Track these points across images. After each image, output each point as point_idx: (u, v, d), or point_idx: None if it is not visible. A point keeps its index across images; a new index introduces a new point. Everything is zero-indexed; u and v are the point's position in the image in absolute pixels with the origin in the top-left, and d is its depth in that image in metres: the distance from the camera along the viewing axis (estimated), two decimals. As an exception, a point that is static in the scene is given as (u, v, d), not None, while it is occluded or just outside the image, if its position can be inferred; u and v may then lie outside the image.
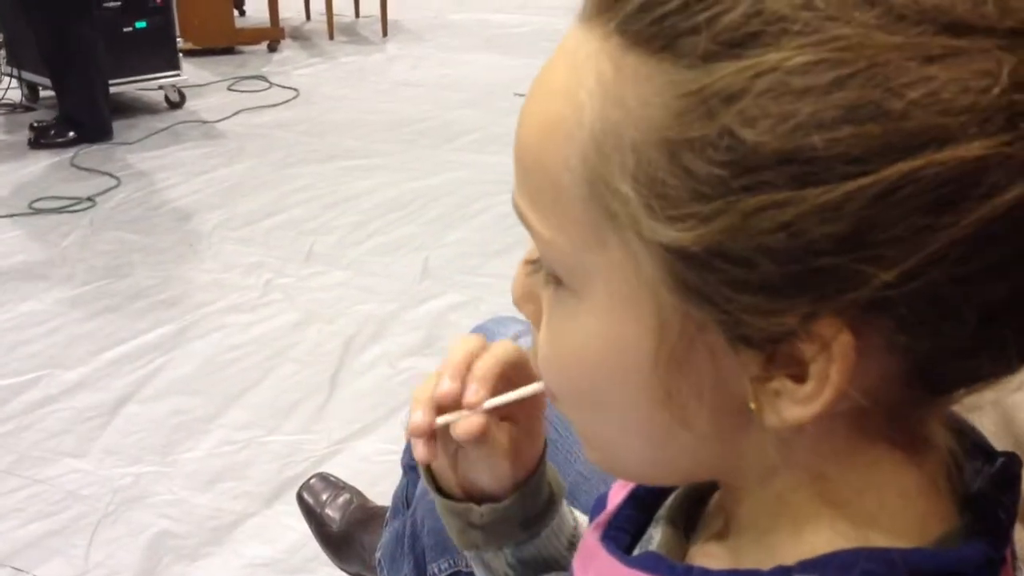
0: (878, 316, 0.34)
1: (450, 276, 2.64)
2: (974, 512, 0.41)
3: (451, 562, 1.02)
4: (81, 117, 3.68)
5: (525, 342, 1.04)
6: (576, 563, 0.52)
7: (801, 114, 0.32)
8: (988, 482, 0.42)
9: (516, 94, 4.45)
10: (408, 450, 1.22)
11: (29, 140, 3.66)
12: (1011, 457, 0.43)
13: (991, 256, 0.33)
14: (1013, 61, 0.32)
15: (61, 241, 2.87)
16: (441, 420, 0.59)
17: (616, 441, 0.45)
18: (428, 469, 0.67)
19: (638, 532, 0.51)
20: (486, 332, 1.09)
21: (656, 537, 0.50)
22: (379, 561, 1.14)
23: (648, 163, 0.35)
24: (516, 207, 0.42)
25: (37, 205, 3.12)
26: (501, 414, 0.62)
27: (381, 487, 1.65)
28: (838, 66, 0.32)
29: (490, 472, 0.64)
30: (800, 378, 0.36)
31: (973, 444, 0.44)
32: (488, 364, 0.59)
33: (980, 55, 0.32)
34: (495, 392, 0.58)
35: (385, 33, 5.81)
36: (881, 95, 0.32)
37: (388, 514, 1.26)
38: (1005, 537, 0.41)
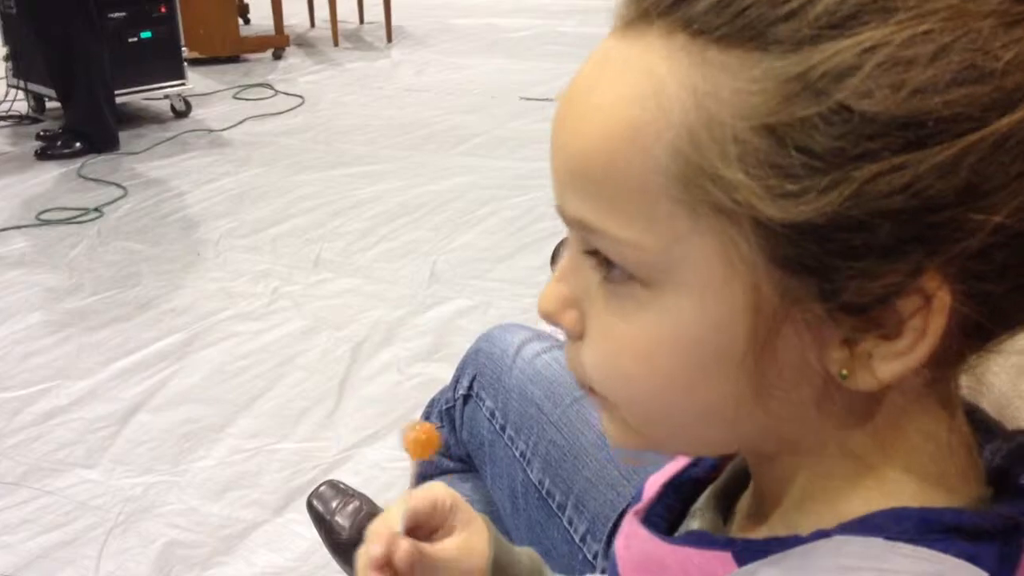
0: (977, 263, 0.37)
1: (458, 281, 2.64)
2: (996, 484, 0.44)
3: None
4: (87, 128, 3.69)
5: (532, 349, 1.04)
6: (619, 543, 0.54)
7: (915, 81, 0.35)
8: (1007, 457, 0.45)
9: (522, 98, 4.45)
10: (417, 457, 1.22)
11: (36, 152, 3.67)
12: None
13: None
14: None
15: (69, 252, 2.88)
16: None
17: (685, 424, 0.45)
18: None
19: (675, 521, 0.53)
20: (492, 339, 1.09)
21: (695, 524, 0.52)
22: (389, 569, 1.13)
23: (756, 148, 0.37)
24: (570, 217, 0.43)
25: (45, 216, 3.13)
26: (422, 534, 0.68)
27: (391, 493, 1.65)
28: (940, 35, 0.35)
29: None
30: (892, 336, 0.39)
31: (987, 428, 0.47)
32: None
33: None
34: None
35: (390, 39, 5.81)
36: (982, 58, 0.35)
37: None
38: None
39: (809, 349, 0.41)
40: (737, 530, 0.51)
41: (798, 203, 0.37)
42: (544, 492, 0.93)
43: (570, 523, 0.90)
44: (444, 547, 0.67)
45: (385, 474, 1.83)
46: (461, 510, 0.69)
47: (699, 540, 0.47)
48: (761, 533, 0.47)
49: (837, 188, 0.36)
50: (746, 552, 0.44)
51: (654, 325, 0.42)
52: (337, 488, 1.60)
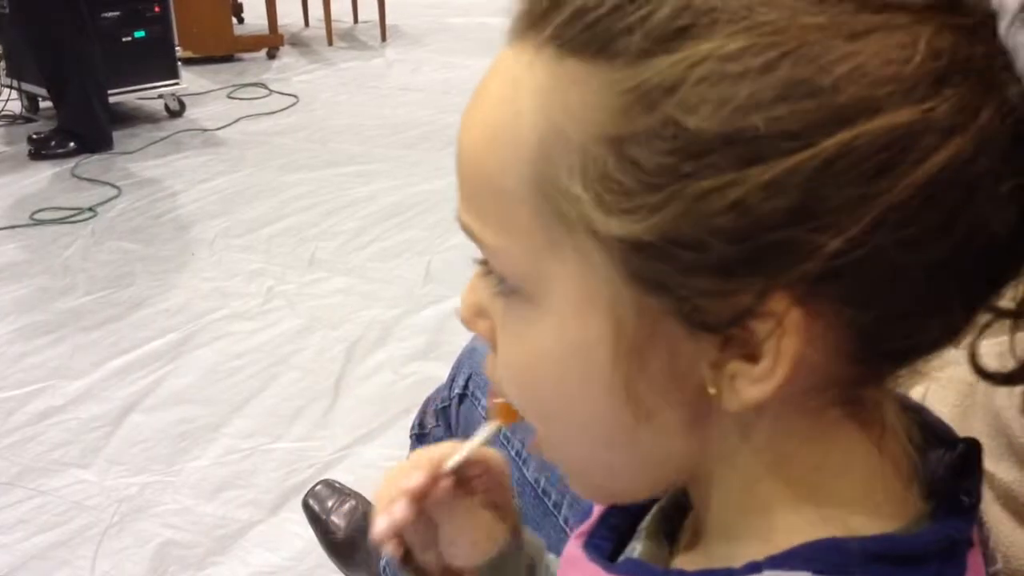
0: (826, 287, 0.36)
1: (453, 280, 2.63)
2: (937, 498, 0.42)
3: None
4: (80, 127, 3.68)
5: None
6: (560, 572, 0.53)
7: (739, 97, 0.34)
8: (948, 468, 0.43)
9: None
10: (412, 456, 1.22)
11: (29, 151, 3.66)
12: (971, 443, 0.44)
13: (930, 217, 0.35)
14: (928, 32, 0.34)
15: (63, 252, 2.87)
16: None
17: (584, 456, 0.45)
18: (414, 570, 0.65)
19: (621, 542, 0.51)
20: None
21: (638, 548, 0.50)
22: (384, 568, 1.14)
23: (595, 161, 0.36)
24: (462, 223, 0.43)
25: (38, 216, 3.12)
26: (466, 489, 0.61)
27: (386, 493, 1.65)
28: (768, 49, 0.34)
29: (469, 547, 0.62)
30: (754, 358, 0.38)
31: (935, 434, 0.45)
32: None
33: (899, 30, 0.34)
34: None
35: (384, 38, 5.81)
36: (812, 72, 0.34)
37: (393, 521, 1.25)
38: (969, 519, 0.42)
39: (683, 369, 0.39)
40: (679, 555, 0.49)
41: (631, 220, 0.36)
42: (540, 491, 0.93)
43: (566, 521, 0.90)
44: (471, 511, 0.62)
45: (380, 473, 1.81)
46: (505, 490, 0.64)
47: (635, 570, 0.47)
48: (696, 563, 0.45)
49: (668, 205, 0.35)
50: None
51: (528, 343, 0.42)
52: (333, 487, 1.60)
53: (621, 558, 0.50)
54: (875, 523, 0.41)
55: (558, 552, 0.89)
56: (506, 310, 0.43)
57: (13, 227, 3.05)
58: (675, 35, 0.35)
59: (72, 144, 3.66)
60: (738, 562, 0.41)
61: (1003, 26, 0.35)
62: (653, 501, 0.52)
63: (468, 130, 0.42)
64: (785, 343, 0.37)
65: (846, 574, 0.38)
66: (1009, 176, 0.35)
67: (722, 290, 0.36)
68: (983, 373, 0.43)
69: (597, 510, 0.54)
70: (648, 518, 0.52)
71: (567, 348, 0.41)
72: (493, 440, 0.58)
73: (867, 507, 0.41)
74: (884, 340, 0.38)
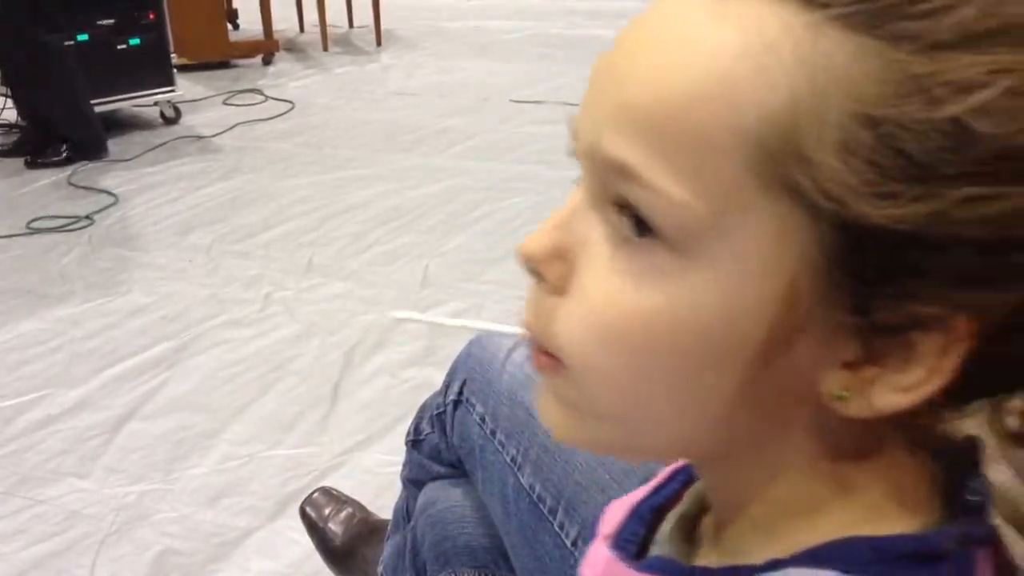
0: (1009, 318, 0.36)
1: (451, 284, 2.64)
2: (949, 499, 0.43)
3: (452, 575, 1.01)
4: (71, 133, 3.66)
5: (522, 353, 1.04)
6: (584, 570, 0.53)
7: None
8: (948, 470, 0.44)
9: (512, 100, 4.45)
10: (407, 464, 1.22)
11: (26, 160, 3.65)
12: (970, 442, 0.44)
13: None
14: None
15: (60, 260, 2.87)
16: None
17: (651, 416, 0.42)
18: None
19: (643, 546, 0.52)
20: (482, 343, 1.09)
21: (665, 549, 0.51)
22: (381, 575, 1.14)
23: (855, 138, 0.35)
24: (615, 162, 0.39)
25: (35, 225, 3.12)
26: None
27: (384, 499, 1.65)
28: None
29: None
30: (890, 367, 0.38)
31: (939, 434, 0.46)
32: None
33: None
34: None
35: (379, 42, 5.81)
36: None
37: (389, 528, 1.25)
38: (979, 517, 0.42)
39: (814, 363, 0.39)
40: (702, 557, 0.50)
41: (887, 205, 0.35)
42: (535, 497, 0.93)
43: (561, 527, 0.90)
44: None
45: (378, 479, 1.83)
46: None
47: (663, 567, 0.47)
48: (719, 561, 0.46)
49: (928, 200, 0.34)
50: None
51: (670, 297, 0.39)
52: (330, 495, 1.60)
53: (645, 558, 0.51)
54: (904, 523, 0.41)
55: (551, 558, 0.89)
56: (629, 259, 0.39)
57: (10, 236, 3.04)
58: (980, 37, 0.34)
59: (64, 150, 3.64)
60: (760, 559, 0.42)
61: None
62: (668, 510, 0.53)
63: (673, 60, 0.38)
64: (948, 361, 0.37)
65: (869, 573, 0.39)
66: None
67: (923, 297, 0.36)
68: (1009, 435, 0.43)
69: (613, 517, 0.54)
70: (667, 524, 0.52)
71: (719, 313, 0.38)
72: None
73: (895, 510, 0.42)
74: (993, 377, 0.39)
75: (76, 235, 3.06)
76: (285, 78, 5.04)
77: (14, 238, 3.04)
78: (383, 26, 5.83)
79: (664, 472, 0.56)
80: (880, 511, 0.42)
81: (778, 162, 0.36)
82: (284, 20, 5.96)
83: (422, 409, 1.19)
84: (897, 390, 0.38)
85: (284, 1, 5.91)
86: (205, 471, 1.90)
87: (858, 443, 0.42)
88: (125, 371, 2.26)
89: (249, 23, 5.95)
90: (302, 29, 6.18)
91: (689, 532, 0.51)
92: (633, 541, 0.52)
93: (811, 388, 0.40)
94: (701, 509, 0.52)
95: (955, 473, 0.43)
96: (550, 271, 0.42)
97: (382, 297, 2.58)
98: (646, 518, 0.53)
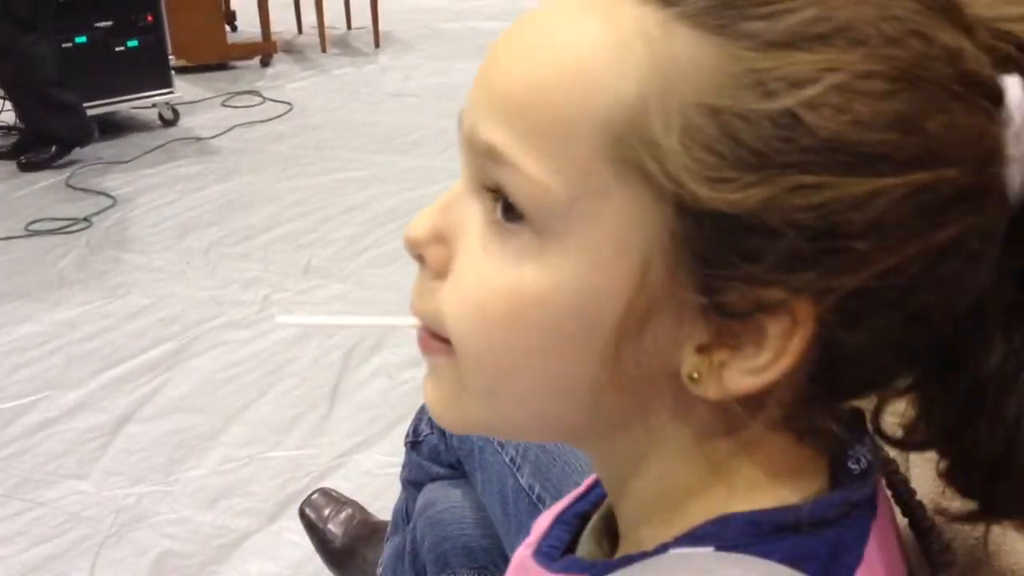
0: (844, 301, 0.38)
1: (448, 285, 2.63)
2: (833, 468, 0.45)
3: (452, 575, 1.02)
4: (54, 127, 3.64)
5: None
6: None
7: (859, 112, 0.36)
8: (836, 444, 0.45)
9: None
10: (407, 465, 1.22)
11: (19, 163, 3.64)
12: (855, 413, 0.47)
13: (947, 266, 0.39)
14: (996, 132, 0.39)
15: (58, 262, 2.87)
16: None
17: (530, 395, 0.44)
18: None
19: (567, 552, 0.54)
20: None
21: (583, 550, 0.53)
22: (381, 576, 1.14)
23: (697, 125, 0.37)
24: (481, 140, 0.42)
25: (33, 227, 3.12)
26: None
27: (383, 500, 1.65)
28: (893, 81, 0.37)
29: None
30: (741, 349, 0.40)
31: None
32: None
33: (980, 112, 0.39)
34: None
35: (377, 44, 5.81)
36: (919, 114, 0.37)
37: (388, 529, 1.26)
38: (864, 484, 0.44)
39: (669, 344, 0.41)
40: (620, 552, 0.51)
41: (723, 190, 0.37)
42: (534, 497, 0.93)
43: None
44: None
45: (377, 480, 1.83)
46: None
47: (569, 566, 0.49)
48: (619, 551, 0.47)
49: (759, 187, 0.37)
50: (601, 573, 0.44)
51: (533, 277, 0.41)
52: (329, 496, 1.61)
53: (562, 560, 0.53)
54: (778, 499, 0.43)
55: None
56: (499, 241, 0.42)
57: (8, 239, 3.04)
58: (815, 38, 0.37)
59: (53, 147, 3.63)
60: (651, 546, 0.43)
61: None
62: (594, 509, 0.55)
63: (536, 51, 0.41)
64: (793, 343, 0.39)
65: (746, 547, 0.40)
66: (1002, 252, 0.40)
67: (763, 280, 0.38)
68: (883, 436, 0.46)
69: (539, 528, 0.56)
70: (588, 528, 0.54)
71: (577, 291, 0.40)
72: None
73: (772, 486, 0.43)
74: (847, 368, 0.41)
75: (74, 237, 3.06)
76: (283, 80, 5.04)
77: (12, 240, 3.04)
78: (381, 28, 5.83)
79: (591, 478, 0.57)
80: (757, 488, 0.43)
81: (628, 146, 0.38)
82: (282, 22, 5.95)
83: (421, 410, 1.19)
84: (747, 372, 0.40)
85: (282, 3, 5.90)
86: (204, 473, 1.91)
87: (728, 425, 0.43)
88: (124, 373, 2.26)
89: (247, 25, 5.95)
90: (300, 31, 6.18)
91: (610, 532, 0.53)
92: (557, 547, 0.53)
93: (669, 370, 0.41)
94: None
95: (840, 446, 0.45)
96: (431, 254, 0.45)
97: (380, 299, 2.58)
98: (571, 524, 0.55)
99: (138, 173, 3.64)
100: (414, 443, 1.18)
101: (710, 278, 0.39)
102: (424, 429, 1.16)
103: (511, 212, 0.41)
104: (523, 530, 0.94)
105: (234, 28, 6.07)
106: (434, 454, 1.14)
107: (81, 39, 3.88)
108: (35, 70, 3.56)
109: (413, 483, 1.19)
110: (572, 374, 0.42)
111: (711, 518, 0.42)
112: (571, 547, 0.54)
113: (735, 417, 0.42)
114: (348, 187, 3.42)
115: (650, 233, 0.39)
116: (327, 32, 5.73)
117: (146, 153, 3.85)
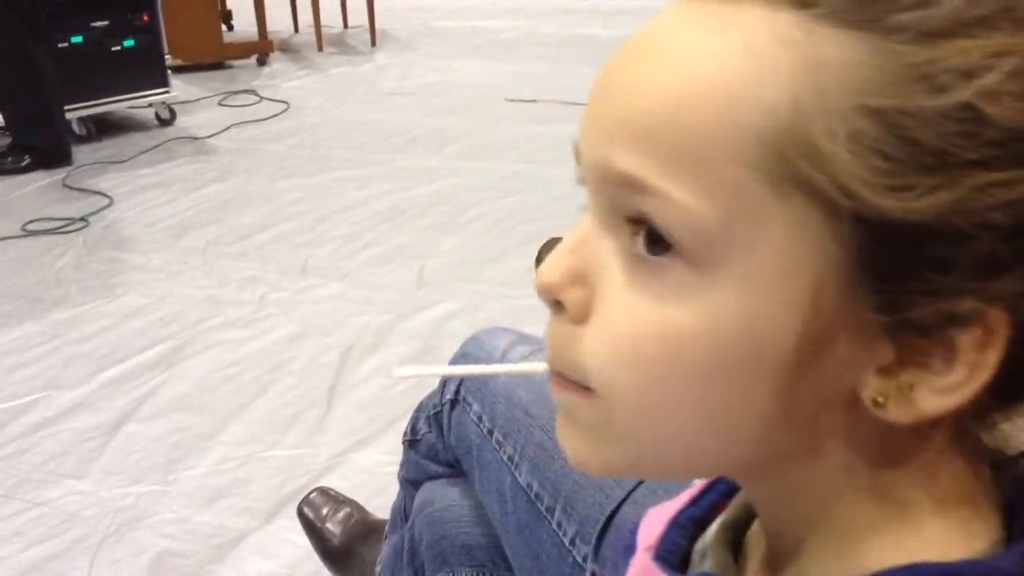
0: None
1: (446, 284, 2.64)
2: (1012, 520, 0.41)
3: (450, 574, 1.02)
4: (33, 142, 3.62)
5: (518, 352, 1.05)
6: None
7: None
8: (1016, 486, 0.42)
9: (507, 99, 4.46)
10: (405, 464, 1.22)
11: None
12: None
13: None
14: None
15: (55, 262, 2.87)
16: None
17: (688, 436, 0.41)
18: None
19: (684, 557, 0.51)
20: (478, 343, 1.09)
21: (709, 562, 0.49)
22: (379, 575, 1.14)
23: (862, 129, 0.34)
24: (618, 171, 0.38)
25: (30, 227, 3.12)
26: None
27: (382, 499, 1.65)
28: None
29: None
30: (931, 368, 0.37)
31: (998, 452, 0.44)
32: None
33: None
34: None
35: (374, 43, 5.81)
36: None
37: (387, 528, 1.26)
38: None
39: (847, 368, 0.38)
40: (750, 571, 0.49)
41: (905, 197, 0.34)
42: (533, 495, 0.93)
43: (559, 526, 0.90)
44: None
45: (375, 479, 1.83)
46: None
47: None
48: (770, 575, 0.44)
49: (944, 190, 0.34)
50: None
51: (693, 312, 0.38)
52: (327, 495, 1.61)
53: (690, 572, 0.50)
54: (968, 544, 0.39)
55: (549, 556, 0.90)
56: (647, 276, 0.39)
57: (5, 239, 3.04)
58: (977, 23, 0.34)
59: (27, 159, 3.60)
60: None
61: None
62: (708, 521, 0.52)
63: (665, 71, 0.38)
64: (989, 356, 0.36)
65: None
66: None
67: (955, 290, 0.35)
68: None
69: (653, 527, 0.53)
70: (710, 535, 0.51)
71: (742, 323, 0.37)
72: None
73: (956, 530, 0.40)
74: None
75: (71, 237, 3.06)
76: (280, 79, 5.04)
77: (9, 240, 3.04)
78: (378, 26, 5.83)
79: (701, 483, 0.54)
80: (941, 532, 0.40)
81: (786, 160, 0.35)
82: (278, 21, 5.95)
83: (419, 409, 1.19)
84: (939, 392, 0.37)
85: (278, 2, 5.90)
86: (202, 472, 1.90)
87: (907, 455, 0.40)
88: (122, 373, 2.26)
89: (243, 24, 5.95)
90: (296, 30, 6.18)
91: (734, 541, 0.50)
92: (675, 552, 0.51)
93: (848, 397, 0.38)
94: (748, 517, 0.51)
95: (1009, 487, 0.42)
96: (570, 298, 0.41)
97: (377, 298, 2.58)
98: (687, 529, 0.52)
99: (135, 173, 3.63)
100: (412, 442, 1.18)
101: (892, 294, 0.36)
102: (422, 428, 1.16)
103: (656, 245, 0.38)
104: (522, 528, 0.94)
105: (230, 27, 6.07)
106: (432, 453, 1.14)
107: (77, 39, 3.88)
108: (45, 81, 3.56)
109: (411, 482, 1.19)
110: (740, 409, 0.39)
111: (895, 565, 0.38)
112: (687, 554, 0.51)
113: (907, 442, 0.39)
114: (345, 186, 3.42)
115: (821, 253, 0.36)
116: (323, 31, 5.73)
117: (143, 153, 3.85)
